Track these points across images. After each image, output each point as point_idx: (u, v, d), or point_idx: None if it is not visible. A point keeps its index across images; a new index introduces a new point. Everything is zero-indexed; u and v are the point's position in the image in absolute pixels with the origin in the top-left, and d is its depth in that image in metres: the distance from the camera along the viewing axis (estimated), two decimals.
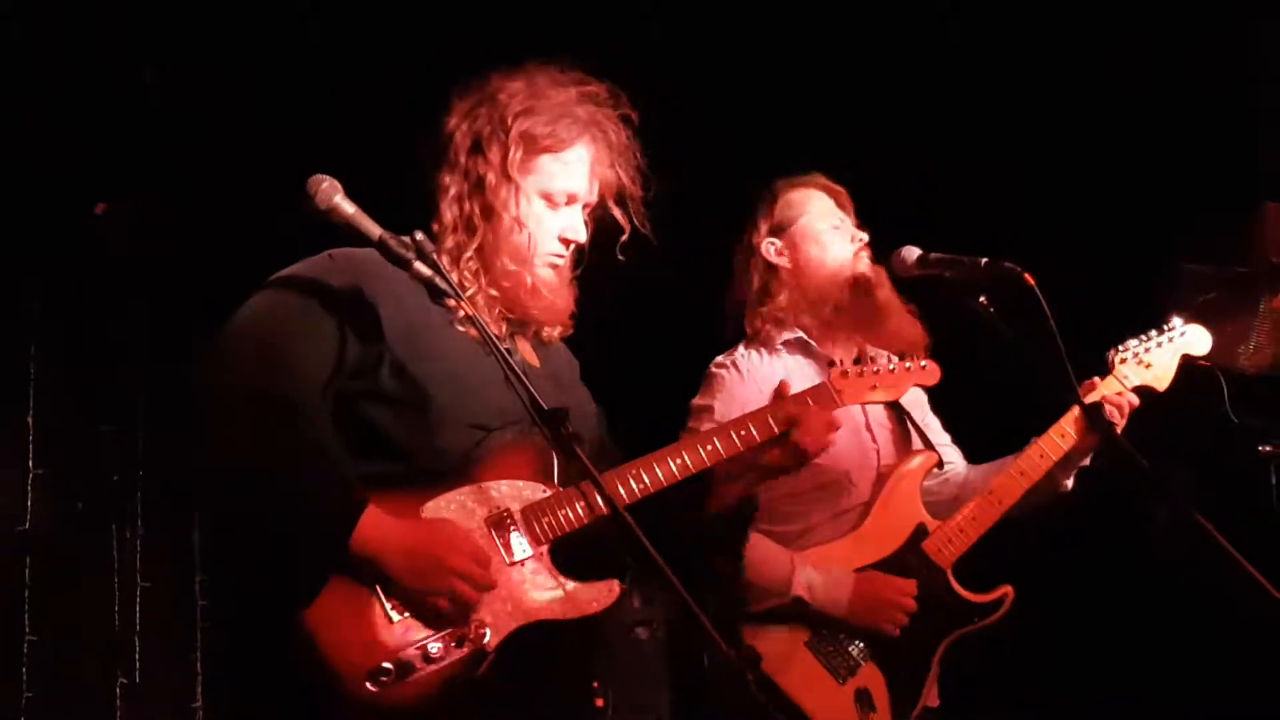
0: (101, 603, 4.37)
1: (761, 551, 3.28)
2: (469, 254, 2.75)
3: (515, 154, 2.74)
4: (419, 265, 2.58)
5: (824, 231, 3.54)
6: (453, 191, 2.77)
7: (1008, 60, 4.82)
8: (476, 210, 2.76)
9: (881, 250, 3.52)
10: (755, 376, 3.45)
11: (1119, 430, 3.27)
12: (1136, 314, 3.48)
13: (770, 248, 3.56)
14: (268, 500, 2.50)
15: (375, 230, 2.61)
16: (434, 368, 2.65)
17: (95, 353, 4.46)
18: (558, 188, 2.78)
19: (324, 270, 2.68)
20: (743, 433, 2.83)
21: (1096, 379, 3.36)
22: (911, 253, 3.35)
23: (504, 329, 2.81)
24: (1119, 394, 3.31)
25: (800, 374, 3.47)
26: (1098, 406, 3.25)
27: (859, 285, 3.49)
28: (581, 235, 2.83)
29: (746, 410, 3.35)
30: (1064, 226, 4.61)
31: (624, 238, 2.90)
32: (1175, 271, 4.04)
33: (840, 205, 3.60)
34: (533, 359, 2.87)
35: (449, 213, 2.76)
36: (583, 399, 2.96)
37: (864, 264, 3.51)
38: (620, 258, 2.91)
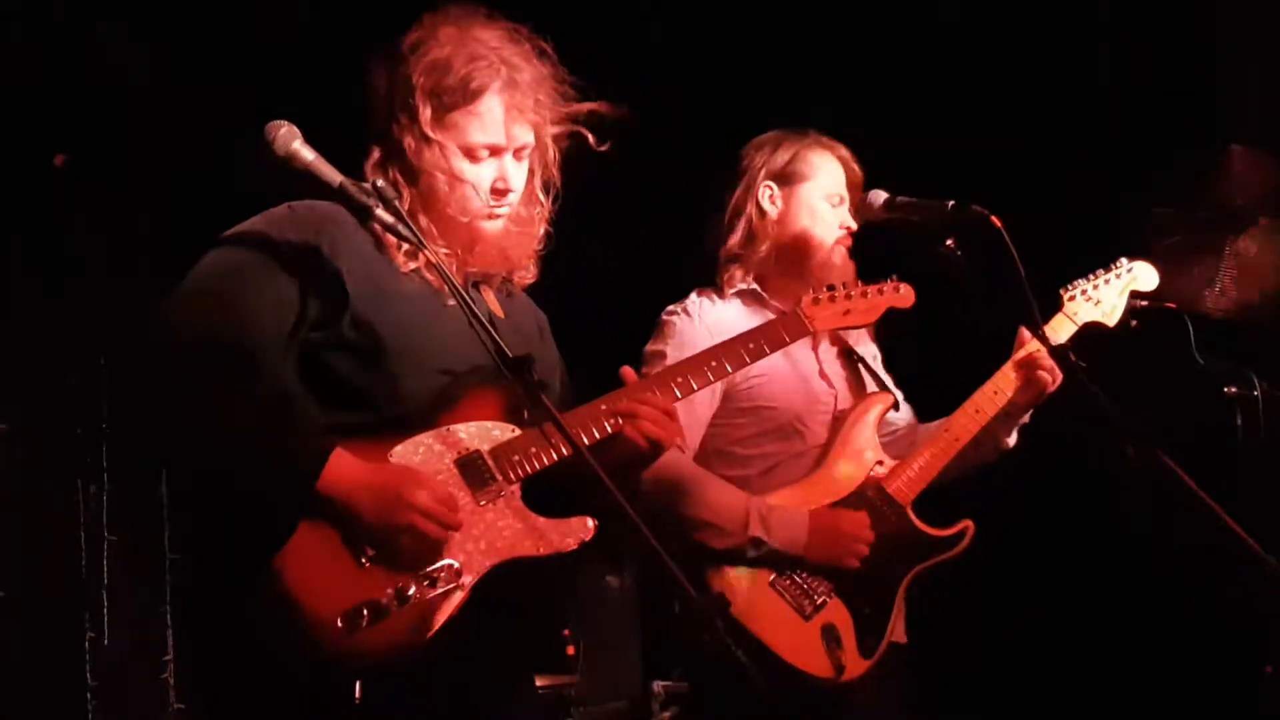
0: (68, 558, 4.36)
1: (717, 493, 3.28)
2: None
3: (425, 113, 2.69)
4: (381, 212, 2.57)
5: (821, 208, 3.46)
6: (375, 156, 2.74)
7: (973, 4, 4.81)
8: (399, 175, 2.73)
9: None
10: (706, 320, 3.42)
11: (1052, 389, 3.30)
12: (1102, 257, 3.49)
13: (767, 191, 3.49)
14: (233, 449, 2.50)
15: (335, 177, 2.59)
16: (396, 316, 2.65)
17: (57, 307, 4.42)
18: (475, 142, 2.72)
19: (283, 222, 2.67)
20: (722, 360, 2.87)
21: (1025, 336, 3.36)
22: (878, 196, 3.33)
23: (464, 280, 2.78)
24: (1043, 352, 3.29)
25: (750, 322, 3.44)
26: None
27: (825, 270, 3.42)
28: (514, 183, 2.77)
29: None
30: (1031, 170, 4.61)
31: (603, 147, 2.84)
32: (1141, 214, 4.04)
33: (850, 185, 3.51)
34: (497, 310, 2.86)
35: (372, 178, 2.70)
36: (547, 353, 2.94)
37: (838, 255, 3.45)
38: (603, 148, 2.84)
